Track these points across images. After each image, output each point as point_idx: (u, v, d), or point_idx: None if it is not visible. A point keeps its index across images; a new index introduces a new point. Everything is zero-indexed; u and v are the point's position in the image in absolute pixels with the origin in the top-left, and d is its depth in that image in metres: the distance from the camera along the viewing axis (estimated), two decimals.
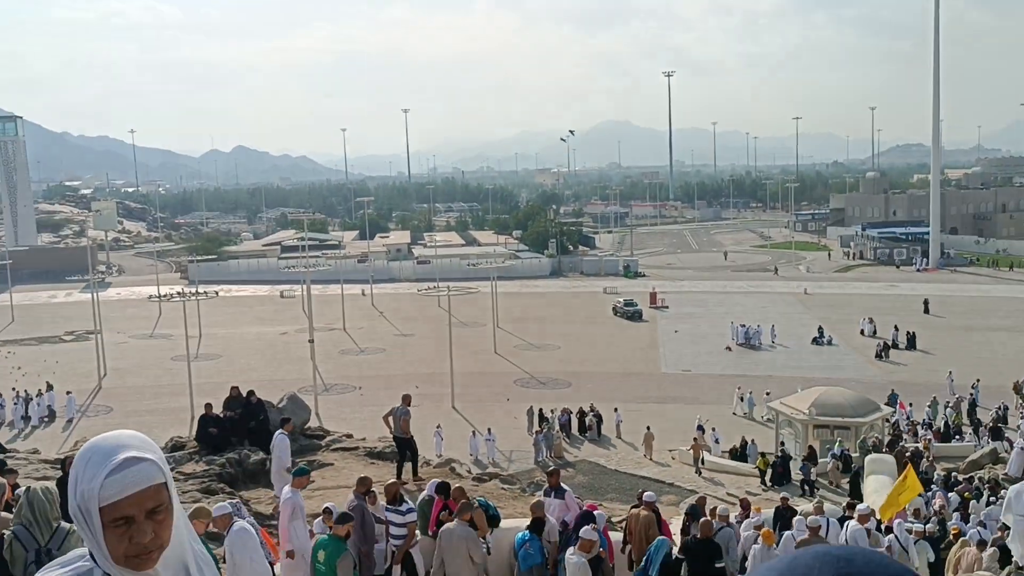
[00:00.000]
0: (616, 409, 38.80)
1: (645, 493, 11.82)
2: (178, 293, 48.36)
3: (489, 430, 36.02)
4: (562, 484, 11.78)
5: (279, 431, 14.16)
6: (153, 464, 1.81)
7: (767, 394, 39.49)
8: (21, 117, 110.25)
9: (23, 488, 5.84)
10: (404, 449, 15.25)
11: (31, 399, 39.76)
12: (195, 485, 13.64)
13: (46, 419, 39.42)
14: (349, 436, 19.37)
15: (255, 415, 17.07)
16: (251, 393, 17.41)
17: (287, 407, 18.74)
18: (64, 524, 5.63)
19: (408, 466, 15.41)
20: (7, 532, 5.59)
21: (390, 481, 10.79)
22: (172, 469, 15.78)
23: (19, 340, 57.89)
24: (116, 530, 1.78)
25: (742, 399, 41.03)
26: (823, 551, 1.11)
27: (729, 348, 54.28)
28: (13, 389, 41.30)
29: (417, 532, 10.03)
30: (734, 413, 40.64)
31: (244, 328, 62.60)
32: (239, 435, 16.90)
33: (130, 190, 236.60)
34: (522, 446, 36.11)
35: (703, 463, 32.12)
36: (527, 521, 10.28)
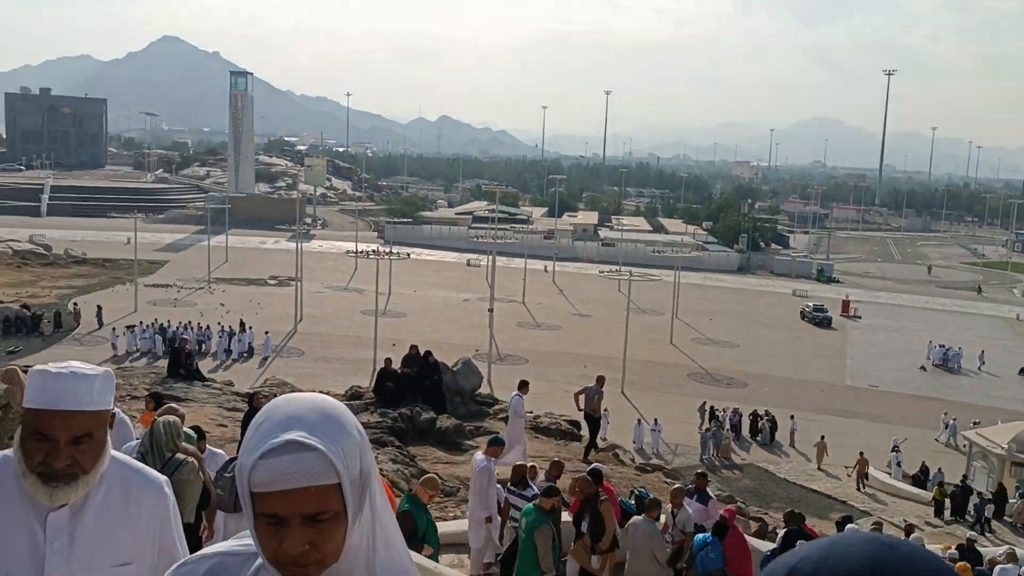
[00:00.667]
0: (792, 417, 37.22)
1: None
2: (373, 251, 50.52)
3: (656, 420, 35.48)
4: (708, 491, 11.44)
5: (516, 393, 14.56)
6: (322, 458, 1.34)
7: (974, 424, 36.57)
8: (252, 73, 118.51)
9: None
10: (593, 427, 15.50)
11: (234, 335, 42.92)
12: (369, 435, 14.30)
13: (245, 355, 42.40)
14: None
15: (430, 375, 17.63)
16: (428, 353, 17.98)
17: (462, 371, 19.22)
18: (178, 456, 5.89)
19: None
20: None
21: (519, 463, 10.65)
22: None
23: (230, 279, 62.56)
24: (267, 526, 1.39)
25: (946, 425, 38.37)
26: (871, 536, 1.05)
27: (923, 368, 50.77)
28: (219, 324, 44.65)
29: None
30: (936, 439, 38.16)
31: (430, 291, 64.76)
32: (414, 392, 17.51)
33: (340, 150, 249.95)
34: (688, 441, 35.38)
35: (867, 479, 30.54)
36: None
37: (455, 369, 19.14)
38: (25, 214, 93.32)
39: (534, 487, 9.93)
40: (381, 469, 12.34)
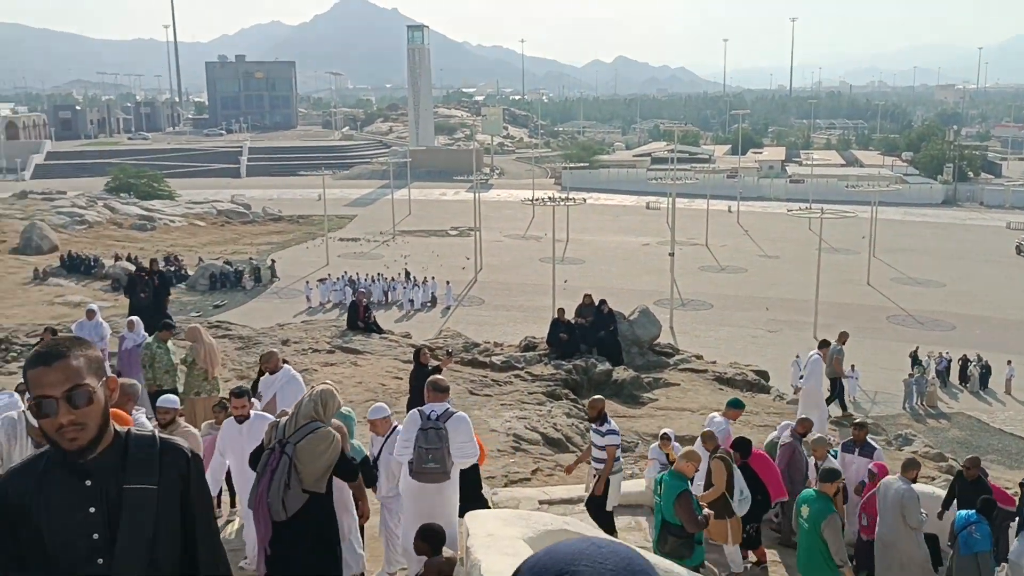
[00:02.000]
0: (1009, 362, 33.86)
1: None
2: (549, 198, 50.15)
3: (852, 367, 33.15)
4: (871, 441, 10.08)
5: (814, 352, 13.62)
6: None
7: None
8: (427, 27, 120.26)
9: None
10: (836, 389, 14.37)
11: (418, 285, 44.00)
12: (540, 387, 13.88)
13: (428, 304, 43.40)
14: (699, 357, 18.67)
15: (605, 324, 16.98)
16: (603, 302, 17.32)
17: (639, 320, 18.43)
18: (312, 423, 5.74)
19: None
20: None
21: (596, 396, 9.69)
22: (522, 367, 16.19)
23: (413, 231, 64.27)
24: None
25: None
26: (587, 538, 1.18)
27: None
28: (400, 273, 45.91)
29: (618, 455, 8.88)
30: None
31: (608, 236, 63.87)
32: (588, 343, 16.95)
33: (517, 98, 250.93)
34: (888, 388, 32.98)
35: None
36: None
37: (632, 318, 18.37)
38: (227, 176, 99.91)
39: (612, 423, 9.04)
40: (554, 424, 11.89)
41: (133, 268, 19.72)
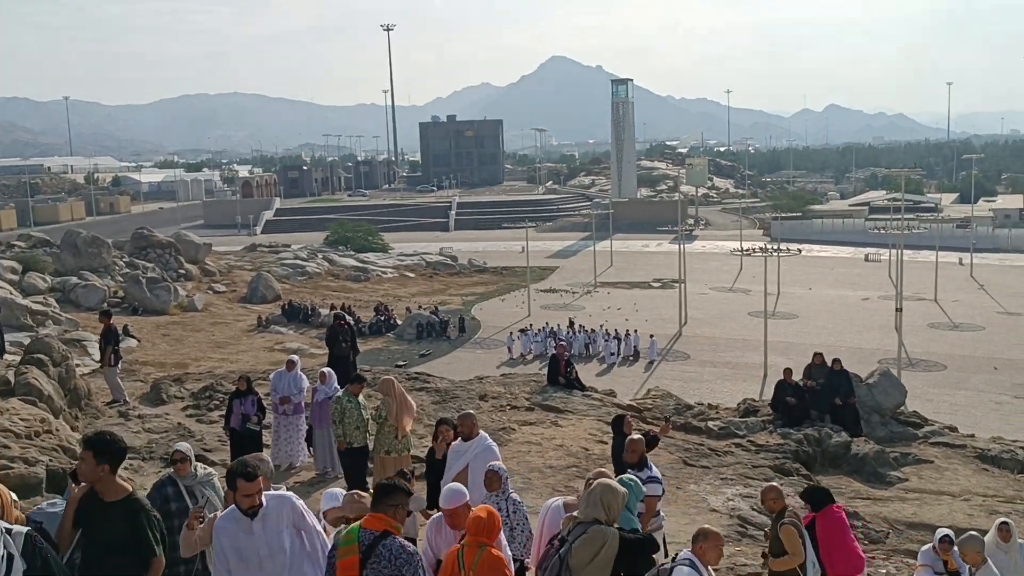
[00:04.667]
0: None
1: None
2: (760, 248, 47.52)
3: None
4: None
5: None
6: None
7: None
8: (632, 80, 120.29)
9: None
10: None
11: (619, 338, 42.63)
12: (767, 460, 12.13)
13: (630, 358, 41.88)
14: (953, 429, 16.06)
15: (840, 388, 14.91)
16: (836, 361, 15.27)
17: (879, 384, 16.15)
18: None
19: None
20: None
21: (637, 436, 8.10)
22: (743, 436, 14.38)
23: (615, 283, 63.11)
24: None
25: None
26: None
27: None
28: (601, 326, 44.73)
29: (660, 511, 7.56)
30: None
31: (823, 289, 59.86)
32: (820, 409, 14.94)
33: (722, 149, 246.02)
34: None
35: None
36: None
37: (870, 381, 16.11)
38: (436, 229, 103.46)
39: (654, 470, 7.84)
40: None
41: (332, 317, 19.60)
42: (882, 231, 66.19)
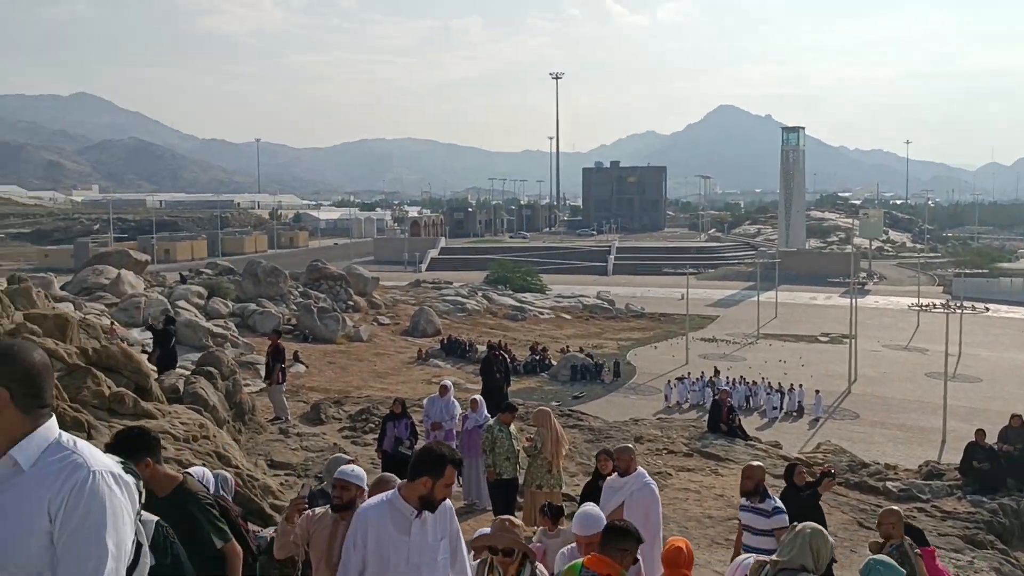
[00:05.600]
0: None
1: None
2: (942, 305, 44.31)
3: None
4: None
5: None
6: None
7: None
8: (803, 128, 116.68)
9: None
10: None
11: (783, 392, 40.67)
12: (955, 529, 10.89)
13: (794, 413, 39.85)
14: None
15: None
16: None
17: None
18: None
19: None
20: None
21: (756, 464, 7.24)
22: (927, 501, 13.05)
23: (779, 335, 60.60)
24: None
25: None
26: None
27: None
28: (763, 378, 42.85)
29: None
30: None
31: (1011, 353, 55.23)
32: (1017, 476, 13.39)
33: (898, 202, 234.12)
34: None
35: None
36: None
37: None
38: (595, 273, 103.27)
39: (775, 500, 7.18)
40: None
41: (487, 348, 19.51)
42: None
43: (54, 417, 2.44)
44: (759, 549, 6.77)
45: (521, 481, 10.41)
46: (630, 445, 7.48)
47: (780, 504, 7.08)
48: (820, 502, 8.90)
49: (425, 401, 13.21)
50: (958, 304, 47.64)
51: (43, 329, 9.98)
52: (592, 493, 8.00)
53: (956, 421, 36.27)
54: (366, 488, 5.55)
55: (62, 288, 44.22)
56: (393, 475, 5.16)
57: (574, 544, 5.30)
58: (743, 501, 7.14)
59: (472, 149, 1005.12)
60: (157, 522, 3.84)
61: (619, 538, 4.54)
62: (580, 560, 4.57)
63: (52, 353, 8.42)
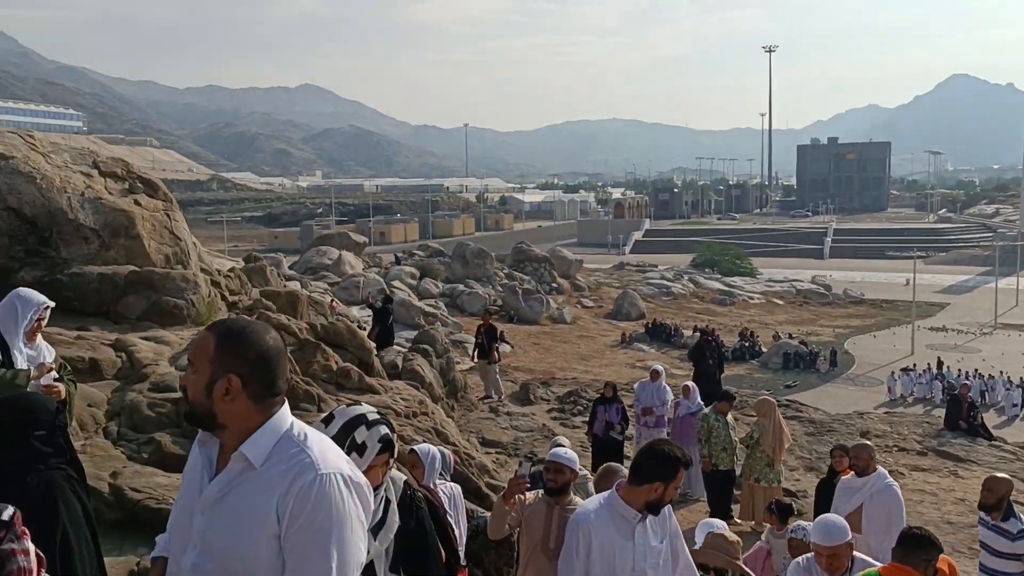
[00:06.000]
0: None
1: None
2: None
3: None
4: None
5: None
6: None
7: None
8: None
9: None
10: None
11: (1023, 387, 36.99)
12: None
13: None
14: None
15: None
16: None
17: None
18: None
19: None
20: None
21: (1002, 476, 6.16)
22: None
23: (1019, 325, 55.24)
24: None
25: None
26: None
27: None
28: (1002, 372, 39.18)
29: None
30: None
31: None
32: None
33: None
34: None
35: None
36: None
37: None
38: (809, 256, 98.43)
39: (1022, 520, 6.07)
40: None
41: (699, 333, 18.92)
42: None
43: (286, 404, 2.31)
44: (999, 573, 6.08)
45: (738, 473, 9.94)
46: (869, 443, 6.83)
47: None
48: None
49: (636, 386, 12.95)
50: None
51: (276, 305, 10.63)
52: (826, 492, 7.43)
53: None
54: (579, 471, 5.33)
55: (290, 268, 47.64)
56: (619, 466, 4.90)
57: (811, 554, 4.83)
58: (982, 515, 6.29)
59: (678, 128, 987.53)
60: (406, 481, 3.76)
61: (923, 547, 4.21)
62: (875, 569, 4.34)
63: (285, 328, 8.91)
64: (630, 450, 12.32)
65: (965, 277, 78.30)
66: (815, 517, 7.94)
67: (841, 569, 4.53)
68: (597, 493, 4.83)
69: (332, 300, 26.07)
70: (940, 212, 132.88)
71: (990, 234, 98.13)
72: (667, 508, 4.19)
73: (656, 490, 3.96)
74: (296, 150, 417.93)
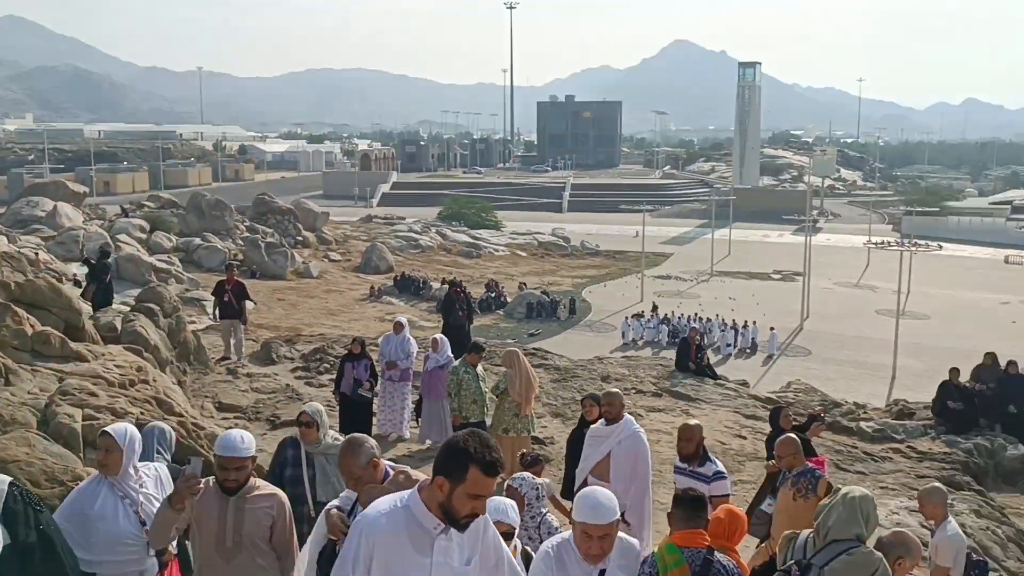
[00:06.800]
0: None
1: None
2: (895, 242, 44.66)
3: None
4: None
5: None
6: None
7: None
8: (760, 63, 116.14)
9: None
10: None
11: (737, 329, 40.77)
12: (932, 470, 10.65)
13: (748, 351, 40.05)
14: None
15: (1015, 394, 13.15)
16: (1011, 364, 13.45)
17: None
18: None
19: None
20: None
21: (693, 424, 6.39)
22: (901, 441, 12.75)
23: (732, 272, 60.85)
24: None
25: None
26: None
27: None
28: (717, 315, 42.98)
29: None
30: None
31: (958, 291, 56.14)
32: (990, 417, 13.23)
33: (849, 140, 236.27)
34: None
35: None
36: None
37: None
38: (549, 210, 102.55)
39: (718, 463, 6.27)
40: (961, 523, 8.71)
41: (447, 286, 18.79)
42: None
43: None
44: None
45: (488, 424, 9.84)
46: (618, 391, 6.85)
47: (722, 468, 6.20)
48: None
49: (380, 339, 12.53)
50: (912, 242, 48.04)
51: None
52: (577, 442, 7.42)
53: (906, 357, 36.78)
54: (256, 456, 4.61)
55: None
56: (367, 437, 4.35)
57: (562, 537, 4.04)
58: (679, 463, 6.20)
59: (424, 81, 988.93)
60: (11, 483, 2.88)
61: (703, 507, 4.15)
62: (669, 541, 4.07)
63: None
64: (376, 407, 11.92)
65: (687, 229, 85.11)
66: (566, 468, 8.01)
67: (608, 552, 3.80)
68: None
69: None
70: (665, 169, 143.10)
71: (707, 190, 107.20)
72: (484, 524, 3.35)
73: (441, 488, 3.10)
74: (1, 89, 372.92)
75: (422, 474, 3.91)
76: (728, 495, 6.14)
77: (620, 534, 3.91)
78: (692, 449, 6.09)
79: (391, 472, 4.09)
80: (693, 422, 6.36)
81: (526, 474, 5.68)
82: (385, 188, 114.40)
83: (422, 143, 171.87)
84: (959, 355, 23.09)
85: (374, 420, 11.63)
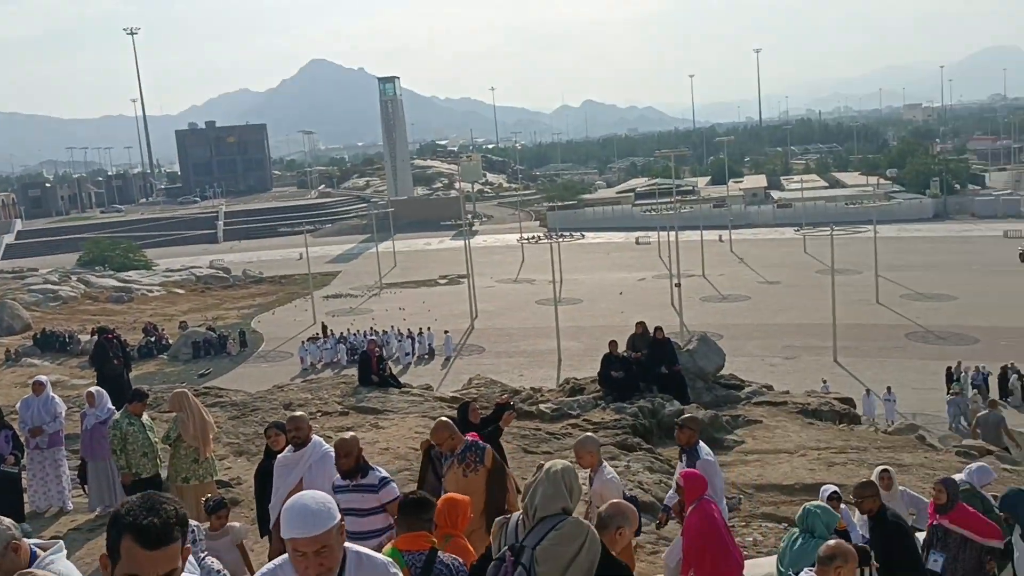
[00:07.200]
0: None
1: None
2: (544, 236, 48.19)
3: (889, 389, 31.02)
4: (701, 443, 7.07)
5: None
6: None
7: None
8: (398, 78, 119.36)
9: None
10: None
11: (413, 337, 41.58)
12: (607, 438, 11.50)
13: (426, 356, 41.00)
14: (769, 387, 16.34)
15: (664, 356, 14.62)
16: (658, 329, 14.97)
17: (699, 349, 16.11)
18: None
19: None
20: None
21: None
22: (577, 416, 13.67)
23: (401, 283, 61.95)
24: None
25: None
26: None
27: None
28: (392, 326, 43.59)
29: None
30: None
31: (602, 274, 61.87)
32: (647, 380, 14.58)
33: (490, 146, 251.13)
34: (926, 409, 30.71)
35: None
36: None
37: (689, 348, 16.05)
38: (204, 242, 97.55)
39: (379, 470, 5.91)
40: (639, 482, 9.47)
41: (96, 335, 17.00)
42: (653, 214, 69.51)
43: None
44: (369, 532, 5.40)
45: (164, 477, 8.97)
46: (302, 413, 6.51)
47: (386, 473, 5.72)
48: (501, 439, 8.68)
49: (19, 405, 11.00)
50: (559, 234, 51.99)
51: None
52: (265, 475, 6.94)
53: (567, 340, 39.85)
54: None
55: None
56: (11, 521, 3.62)
57: (278, 560, 3.14)
58: (337, 482, 5.57)
59: (42, 117, 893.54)
60: None
61: (425, 508, 4.26)
62: (390, 547, 4.07)
63: None
64: (26, 482, 10.41)
65: (351, 246, 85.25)
66: (257, 506, 7.48)
67: (334, 568, 2.99)
68: None
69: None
70: (320, 188, 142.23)
71: (365, 204, 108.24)
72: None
73: (104, 569, 2.42)
74: None
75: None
76: (399, 497, 5.33)
77: (366, 551, 3.23)
78: (351, 464, 5.52)
79: (38, 552, 3.41)
80: (348, 435, 5.77)
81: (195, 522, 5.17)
82: (9, 239, 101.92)
83: (48, 185, 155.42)
84: (613, 330, 25.37)
85: (25, 497, 10.17)
